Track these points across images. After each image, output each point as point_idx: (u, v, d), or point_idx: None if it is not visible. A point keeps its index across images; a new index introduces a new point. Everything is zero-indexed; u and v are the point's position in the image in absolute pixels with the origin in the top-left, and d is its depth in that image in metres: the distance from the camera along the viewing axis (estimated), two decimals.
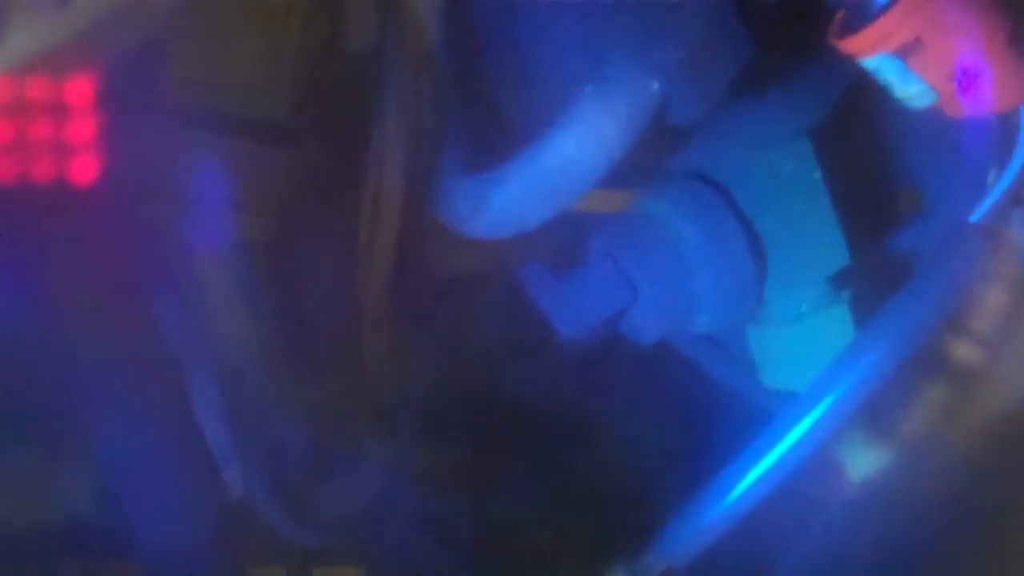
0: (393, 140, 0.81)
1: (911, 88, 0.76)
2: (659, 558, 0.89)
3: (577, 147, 0.77)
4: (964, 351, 0.79)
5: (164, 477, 0.90)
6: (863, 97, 0.89)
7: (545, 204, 0.80)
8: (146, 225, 0.83)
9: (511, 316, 1.00)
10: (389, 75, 0.80)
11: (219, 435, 0.91)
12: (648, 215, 0.91)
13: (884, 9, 0.73)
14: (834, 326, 0.92)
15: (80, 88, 0.79)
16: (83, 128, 0.80)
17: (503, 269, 0.99)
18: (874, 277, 0.91)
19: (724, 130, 0.88)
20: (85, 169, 0.81)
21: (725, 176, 0.91)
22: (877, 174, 0.92)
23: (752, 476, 0.84)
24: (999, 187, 0.79)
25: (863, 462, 0.90)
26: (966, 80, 0.75)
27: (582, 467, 1.08)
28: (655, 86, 0.76)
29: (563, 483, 1.07)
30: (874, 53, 0.75)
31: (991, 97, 0.75)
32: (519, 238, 0.85)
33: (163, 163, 0.81)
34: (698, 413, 1.04)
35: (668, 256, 0.90)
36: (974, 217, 0.80)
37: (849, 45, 0.75)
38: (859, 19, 0.74)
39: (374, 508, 0.99)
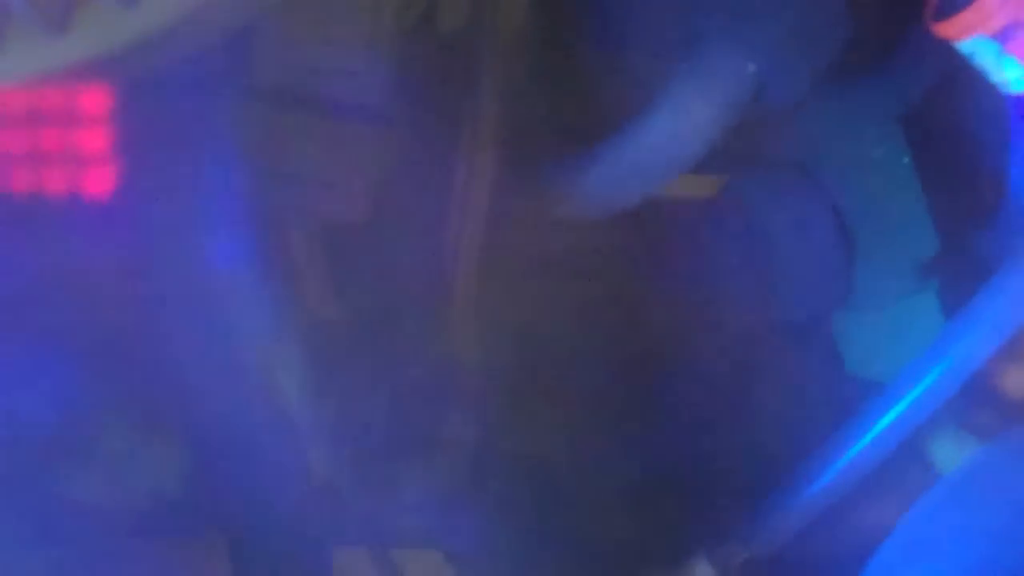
0: (485, 122, 0.82)
1: (1008, 73, 0.75)
2: (741, 547, 0.89)
3: (671, 128, 0.77)
4: None
5: (249, 456, 0.91)
6: (954, 83, 0.88)
7: (638, 185, 0.80)
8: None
9: (590, 304, 1.00)
10: (481, 57, 0.81)
11: (305, 414, 0.92)
12: (737, 200, 0.91)
13: None
14: (922, 314, 0.91)
15: (95, 98, 0.76)
16: (97, 138, 0.77)
17: (589, 254, 0.99)
18: (964, 265, 0.90)
19: (815, 114, 0.87)
20: (99, 181, 0.77)
21: (815, 161, 0.90)
22: (968, 162, 0.91)
23: (837, 468, 0.83)
24: None
25: (951, 456, 0.89)
26: None
27: (664, 455, 1.08)
28: (751, 68, 0.76)
29: (645, 472, 1.07)
30: (971, 36, 0.74)
31: None
32: (606, 222, 0.85)
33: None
34: (783, 402, 1.04)
35: (756, 241, 0.90)
36: None
37: (945, 28, 0.74)
38: (956, 1, 0.74)
39: (457, 491, 1.00)
